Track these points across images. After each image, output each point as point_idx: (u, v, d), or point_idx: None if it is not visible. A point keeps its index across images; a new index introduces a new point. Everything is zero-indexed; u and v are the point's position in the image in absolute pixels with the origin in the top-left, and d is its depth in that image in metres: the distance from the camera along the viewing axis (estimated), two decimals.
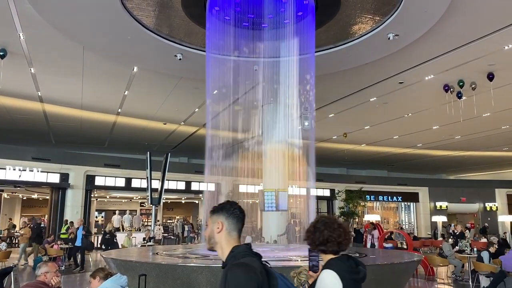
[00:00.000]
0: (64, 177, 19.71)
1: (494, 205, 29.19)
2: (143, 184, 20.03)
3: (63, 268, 13.69)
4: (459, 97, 13.50)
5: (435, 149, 23.99)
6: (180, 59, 11.07)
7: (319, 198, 26.08)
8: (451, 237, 18.13)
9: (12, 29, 9.89)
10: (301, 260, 8.12)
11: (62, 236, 15.79)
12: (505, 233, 22.10)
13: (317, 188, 24.95)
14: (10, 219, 24.57)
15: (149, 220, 26.73)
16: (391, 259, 8.71)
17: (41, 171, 18.76)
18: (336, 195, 25.69)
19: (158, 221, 24.36)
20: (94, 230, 23.10)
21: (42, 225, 20.46)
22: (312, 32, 9.36)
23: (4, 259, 12.31)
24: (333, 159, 26.82)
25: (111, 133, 20.95)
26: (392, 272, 7.55)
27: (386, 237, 15.07)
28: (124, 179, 21.55)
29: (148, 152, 18.06)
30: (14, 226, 22.94)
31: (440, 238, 20.58)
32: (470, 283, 10.82)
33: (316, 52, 10.32)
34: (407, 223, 29.98)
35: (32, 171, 18.39)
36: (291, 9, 9.01)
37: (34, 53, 11.45)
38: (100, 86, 14.40)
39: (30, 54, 11.48)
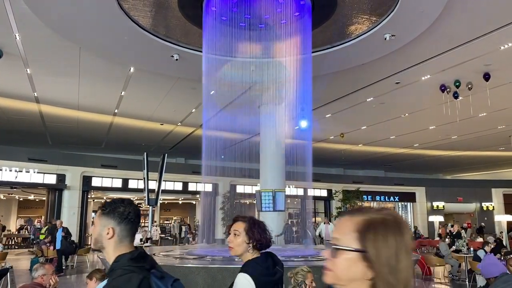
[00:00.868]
0: (61, 178, 19.65)
1: (491, 204, 29.27)
2: (140, 185, 19.98)
3: None
4: (456, 97, 13.54)
5: (432, 149, 24.05)
6: (176, 59, 11.06)
7: (316, 198, 26.11)
8: (448, 237, 18.16)
9: (8, 29, 9.85)
10: (298, 261, 8.13)
11: (41, 237, 15.43)
12: (501, 232, 22.15)
13: (314, 188, 25.02)
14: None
15: (146, 221, 26.65)
16: None
17: (38, 172, 18.69)
18: (333, 195, 25.71)
19: (155, 222, 24.33)
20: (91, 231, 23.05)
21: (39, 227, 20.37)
22: (308, 32, 9.38)
23: (1, 261, 12.27)
24: (330, 159, 26.84)
25: (108, 133, 20.91)
26: None
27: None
28: (121, 180, 21.51)
29: (145, 153, 18.00)
30: (4, 228, 22.75)
31: (437, 238, 20.63)
32: (467, 282, 10.84)
33: (313, 52, 10.33)
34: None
35: (29, 172, 18.33)
36: (288, 9, 9.02)
37: (30, 53, 11.41)
38: (96, 86, 14.36)
39: (26, 55, 11.44)
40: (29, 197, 25.74)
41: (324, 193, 26.68)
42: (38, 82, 13.64)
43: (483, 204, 29.44)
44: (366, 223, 1.05)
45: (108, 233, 1.81)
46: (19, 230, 25.40)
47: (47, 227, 15.84)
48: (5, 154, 18.46)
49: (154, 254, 8.76)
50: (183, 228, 24.59)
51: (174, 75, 12.98)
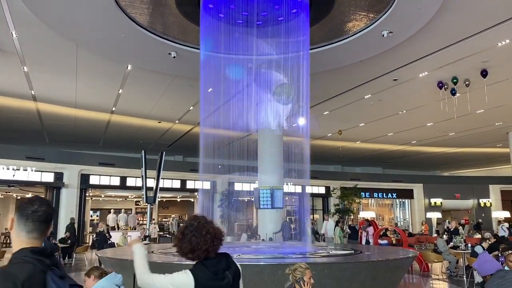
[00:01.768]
0: (59, 176, 19.59)
1: (488, 201, 29.36)
2: (138, 182, 19.93)
3: None
4: (453, 94, 13.56)
5: (430, 146, 24.11)
6: (174, 57, 11.04)
7: (314, 195, 26.13)
8: (446, 233, 18.22)
9: (4, 27, 9.81)
10: (296, 257, 8.14)
11: None
12: (498, 229, 22.25)
13: (312, 186, 25.04)
14: None
15: (144, 219, 26.66)
16: (386, 255, 8.76)
17: (35, 170, 18.62)
18: (331, 192, 25.73)
19: (154, 219, 24.31)
20: (89, 229, 23.06)
21: None
22: (306, 29, 9.37)
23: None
24: (328, 156, 26.88)
25: (106, 131, 20.87)
26: (387, 269, 7.58)
27: (381, 233, 15.14)
28: (119, 177, 21.45)
29: (143, 151, 17.96)
30: None
31: (434, 234, 20.71)
32: (465, 278, 10.88)
33: (310, 49, 10.32)
34: (402, 220, 30.11)
35: (26, 170, 18.25)
36: (285, 6, 9.01)
37: (27, 51, 11.37)
38: (94, 84, 14.33)
39: (23, 53, 11.40)
40: (27, 196, 25.67)
41: (322, 190, 26.69)
42: (35, 80, 13.60)
43: (480, 200, 29.53)
44: None
45: (10, 224, 1.83)
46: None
47: None
48: (2, 152, 18.38)
49: (152, 252, 8.77)
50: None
51: (171, 73, 12.96)
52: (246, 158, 13.52)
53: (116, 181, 21.42)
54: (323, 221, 17.67)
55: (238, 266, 2.48)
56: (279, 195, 12.69)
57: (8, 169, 17.82)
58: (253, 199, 14.20)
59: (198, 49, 10.36)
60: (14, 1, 8.61)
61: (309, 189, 24.39)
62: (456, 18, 9.43)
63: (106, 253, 9.16)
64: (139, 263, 2.41)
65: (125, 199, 28.91)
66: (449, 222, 22.13)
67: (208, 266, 2.30)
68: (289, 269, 4.26)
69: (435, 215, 25.07)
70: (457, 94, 13.61)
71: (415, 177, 30.34)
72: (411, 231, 24.81)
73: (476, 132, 20.25)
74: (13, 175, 17.96)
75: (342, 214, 22.77)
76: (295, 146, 12.72)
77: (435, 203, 28.93)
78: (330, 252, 9.21)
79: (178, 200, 29.89)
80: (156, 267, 6.66)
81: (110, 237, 15.28)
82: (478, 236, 17.08)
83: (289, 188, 18.86)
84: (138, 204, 29.37)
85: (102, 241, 14.30)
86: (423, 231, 23.45)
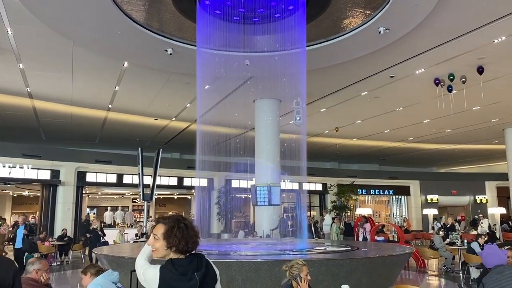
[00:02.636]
0: (55, 173, 19.55)
1: (484, 197, 29.52)
2: (135, 180, 19.94)
3: (55, 265, 13.63)
4: (450, 91, 13.59)
5: (426, 142, 24.16)
6: (170, 54, 11.00)
7: (311, 192, 26.20)
8: (442, 229, 18.29)
9: (0, 24, 9.77)
10: (293, 254, 8.17)
11: None
12: (494, 225, 22.37)
13: (309, 183, 25.10)
14: None
15: (141, 216, 26.65)
16: (383, 252, 8.79)
17: (32, 168, 18.58)
18: (328, 189, 25.80)
19: (151, 217, 24.27)
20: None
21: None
22: (303, 26, 9.36)
23: None
24: (325, 153, 26.91)
25: (102, 129, 20.82)
26: (384, 265, 7.61)
27: (377, 230, 15.18)
28: (115, 175, 21.43)
29: (140, 148, 17.97)
30: (4, 220, 22.62)
31: (431, 231, 20.79)
32: (461, 274, 10.94)
33: (307, 46, 10.32)
34: (398, 216, 30.22)
35: (22, 168, 18.21)
36: (282, 3, 9.00)
37: (23, 48, 11.31)
38: (90, 81, 14.27)
39: (19, 50, 11.33)
40: (23, 193, 25.60)
41: (319, 187, 26.77)
42: (31, 77, 13.54)
43: (476, 197, 29.68)
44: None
45: None
46: (13, 226, 25.27)
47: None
48: None
49: None
50: None
51: (168, 70, 12.92)
52: (243, 155, 13.54)
53: (113, 179, 21.40)
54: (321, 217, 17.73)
55: (215, 269, 2.43)
56: (276, 192, 12.71)
57: (4, 166, 17.78)
58: (250, 196, 14.20)
59: (195, 46, 10.34)
60: None
61: (306, 186, 24.46)
62: (452, 15, 9.44)
63: (103, 250, 9.16)
64: (145, 248, 2.44)
65: (122, 196, 28.89)
66: (439, 219, 22.26)
67: (177, 266, 2.27)
68: (286, 265, 4.27)
69: (431, 212, 25.17)
70: (454, 91, 13.64)
71: (412, 174, 30.45)
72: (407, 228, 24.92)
73: (472, 129, 20.31)
74: (9, 173, 17.92)
75: (339, 211, 22.83)
76: (292, 143, 12.74)
77: (431, 199, 29.06)
78: (327, 248, 9.25)
79: (175, 197, 29.88)
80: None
81: (104, 235, 14.89)
82: (474, 232, 17.16)
83: (286, 185, 18.88)
84: (135, 202, 29.36)
85: (95, 239, 13.71)
86: (405, 227, 23.50)
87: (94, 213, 27.87)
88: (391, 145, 25.00)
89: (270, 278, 6.32)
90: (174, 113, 18.05)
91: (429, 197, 29.17)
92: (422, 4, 8.82)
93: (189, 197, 28.93)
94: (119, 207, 25.29)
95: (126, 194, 28.17)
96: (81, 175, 20.40)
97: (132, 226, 21.93)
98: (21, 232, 12.44)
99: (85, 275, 3.97)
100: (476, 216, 25.65)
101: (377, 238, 14.13)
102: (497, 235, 19.10)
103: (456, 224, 19.91)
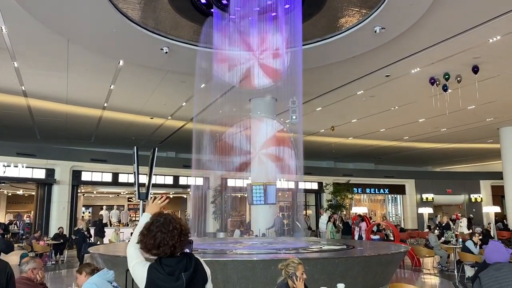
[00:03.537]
0: (50, 172, 19.44)
1: (479, 196, 29.66)
2: (130, 179, 19.85)
3: (49, 264, 13.57)
4: (445, 90, 13.64)
5: (422, 141, 24.24)
6: (166, 52, 10.97)
7: (307, 191, 26.19)
8: (437, 228, 18.36)
9: None
10: (289, 253, 8.17)
11: None
12: (489, 223, 22.48)
13: (305, 181, 25.08)
14: None
15: (137, 215, 26.59)
16: (379, 250, 8.81)
17: (26, 167, 18.46)
18: (324, 188, 25.83)
19: None
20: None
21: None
22: (299, 25, 9.36)
23: None
24: (320, 152, 26.94)
25: (97, 127, 20.73)
26: (379, 263, 7.63)
27: (373, 229, 15.22)
28: (111, 174, 21.34)
29: (135, 147, 17.85)
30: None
31: (426, 230, 20.86)
32: (456, 273, 10.99)
33: (303, 45, 10.32)
34: (394, 215, 30.32)
35: (17, 166, 18.10)
36: (278, 2, 8.99)
37: (17, 46, 11.23)
38: (85, 80, 14.21)
39: (13, 48, 11.26)
40: (18, 192, 25.48)
41: (315, 186, 26.78)
42: (26, 75, 13.45)
43: (471, 196, 29.82)
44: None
45: None
46: (8, 225, 25.18)
47: None
48: None
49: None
50: None
51: (163, 68, 12.89)
52: (239, 154, 13.51)
53: (108, 178, 21.31)
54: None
55: (206, 269, 2.41)
56: (272, 191, 12.71)
57: None
58: (246, 195, 14.19)
59: (190, 44, 10.31)
60: None
61: (302, 185, 24.46)
62: (447, 14, 9.47)
63: (99, 249, 9.13)
64: (136, 232, 2.43)
65: (118, 195, 28.80)
66: (432, 218, 22.32)
67: (165, 265, 2.26)
68: (282, 264, 4.27)
69: (426, 211, 25.28)
70: (449, 90, 13.69)
71: (407, 173, 30.55)
72: (403, 226, 25.00)
73: (467, 128, 20.39)
74: (4, 172, 17.81)
75: (335, 210, 22.87)
76: (288, 142, 12.74)
77: (426, 198, 29.16)
78: (323, 247, 9.26)
79: (171, 196, 29.82)
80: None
81: (90, 236, 14.66)
82: (469, 231, 17.22)
83: (282, 184, 18.87)
84: (130, 201, 29.27)
85: (81, 240, 13.39)
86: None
87: (89, 212, 27.81)
88: (387, 144, 25.07)
89: (265, 276, 6.32)
90: (169, 111, 18.00)
91: (424, 196, 29.27)
92: (418, 3, 8.85)
93: (185, 196, 28.88)
94: (115, 206, 25.22)
95: (122, 193, 28.08)
96: (76, 174, 20.30)
97: (127, 225, 21.86)
98: None
99: (80, 274, 3.95)
100: (471, 215, 25.79)
101: (372, 237, 14.16)
102: (492, 234, 19.17)
103: (451, 223, 19.97)
